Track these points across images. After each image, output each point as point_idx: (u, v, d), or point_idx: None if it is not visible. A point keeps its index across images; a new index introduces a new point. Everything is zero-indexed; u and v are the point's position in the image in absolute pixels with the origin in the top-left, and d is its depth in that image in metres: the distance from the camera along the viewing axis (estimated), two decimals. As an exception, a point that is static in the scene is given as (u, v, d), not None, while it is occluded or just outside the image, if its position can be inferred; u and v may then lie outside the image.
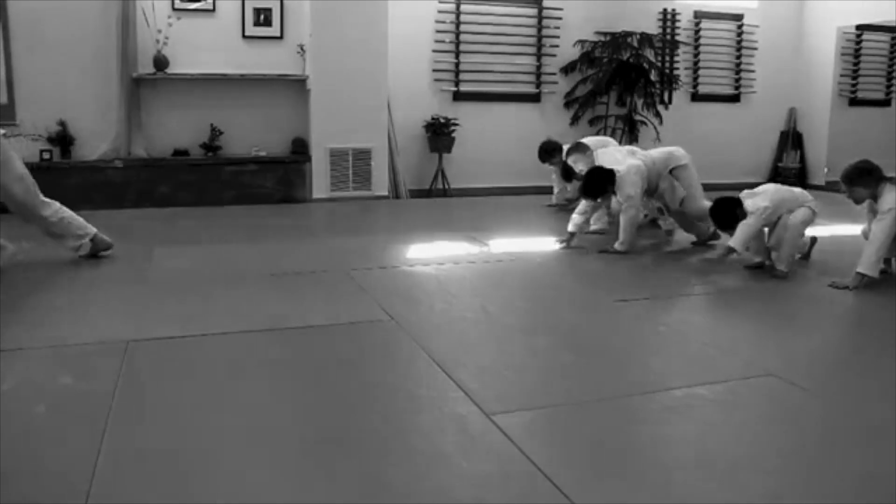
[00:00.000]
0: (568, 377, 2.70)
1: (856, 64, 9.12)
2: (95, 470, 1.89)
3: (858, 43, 9.09)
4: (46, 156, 6.28)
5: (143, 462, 1.96)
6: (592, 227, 5.41)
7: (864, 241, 4.10)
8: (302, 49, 6.91)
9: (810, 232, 4.53)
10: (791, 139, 9.01)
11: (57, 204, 4.27)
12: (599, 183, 4.79)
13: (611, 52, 7.98)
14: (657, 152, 5.23)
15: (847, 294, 3.87)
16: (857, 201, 4.00)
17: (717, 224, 4.46)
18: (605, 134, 8.06)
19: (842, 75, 8.99)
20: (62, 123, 6.36)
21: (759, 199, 4.23)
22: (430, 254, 4.65)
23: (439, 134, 7.37)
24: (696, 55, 8.62)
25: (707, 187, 5.25)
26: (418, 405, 2.40)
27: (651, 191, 5.08)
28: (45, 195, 4.22)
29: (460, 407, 2.34)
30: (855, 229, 6.01)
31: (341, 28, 6.72)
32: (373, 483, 1.88)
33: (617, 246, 4.76)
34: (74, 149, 6.42)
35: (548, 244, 5.03)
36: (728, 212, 4.26)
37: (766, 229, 4.33)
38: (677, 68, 8.53)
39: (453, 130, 7.43)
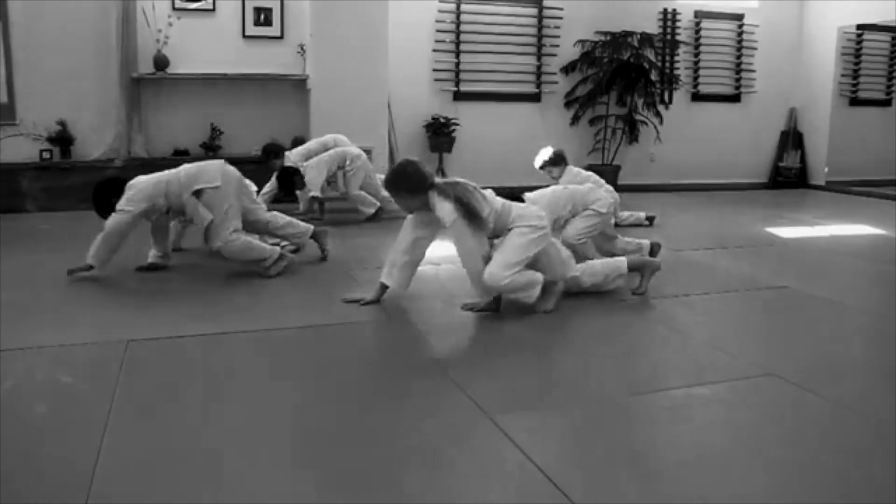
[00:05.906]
0: (568, 377, 2.70)
1: (856, 64, 9.12)
2: (95, 470, 1.89)
3: (859, 43, 9.09)
4: (46, 156, 6.27)
5: (143, 462, 1.96)
6: None
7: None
8: (302, 49, 6.92)
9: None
10: (791, 139, 9.01)
11: None
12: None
13: (611, 51, 7.98)
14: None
15: (845, 294, 3.86)
16: (409, 210, 3.46)
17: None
18: (605, 134, 8.08)
19: (842, 75, 8.99)
20: (62, 123, 6.36)
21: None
22: (430, 253, 4.63)
23: (439, 134, 7.38)
24: (696, 55, 8.62)
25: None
26: (418, 405, 2.40)
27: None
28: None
29: (460, 407, 2.34)
30: (853, 229, 6.05)
31: (341, 28, 6.72)
32: (372, 483, 1.88)
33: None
34: (74, 149, 6.42)
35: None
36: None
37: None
38: (677, 68, 8.53)
39: (453, 130, 7.44)
